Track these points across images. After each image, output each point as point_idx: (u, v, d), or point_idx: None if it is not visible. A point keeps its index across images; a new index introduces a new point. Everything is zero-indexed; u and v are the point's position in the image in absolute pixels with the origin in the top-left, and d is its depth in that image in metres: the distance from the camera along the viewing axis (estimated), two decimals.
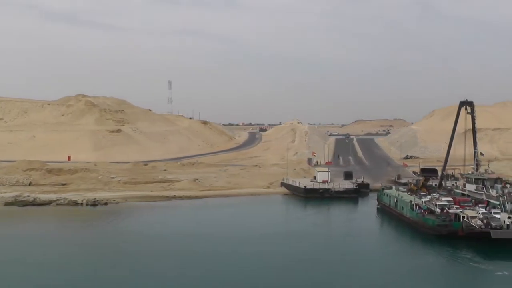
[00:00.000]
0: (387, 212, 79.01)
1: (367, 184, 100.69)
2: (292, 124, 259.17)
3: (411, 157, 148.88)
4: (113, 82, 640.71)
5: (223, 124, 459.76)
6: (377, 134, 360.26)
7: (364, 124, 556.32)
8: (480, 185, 77.55)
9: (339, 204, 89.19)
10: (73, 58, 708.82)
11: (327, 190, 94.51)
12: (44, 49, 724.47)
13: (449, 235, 59.63)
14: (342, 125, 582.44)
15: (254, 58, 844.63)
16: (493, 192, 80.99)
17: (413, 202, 69.24)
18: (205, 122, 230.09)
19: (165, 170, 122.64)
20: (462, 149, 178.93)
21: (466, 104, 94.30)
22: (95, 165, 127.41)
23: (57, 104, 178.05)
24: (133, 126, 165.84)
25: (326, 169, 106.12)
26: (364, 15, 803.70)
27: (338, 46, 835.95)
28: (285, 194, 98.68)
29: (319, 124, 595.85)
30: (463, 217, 61.05)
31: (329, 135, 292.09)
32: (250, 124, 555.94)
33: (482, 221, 59.90)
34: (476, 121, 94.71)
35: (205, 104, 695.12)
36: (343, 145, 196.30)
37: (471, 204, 70.48)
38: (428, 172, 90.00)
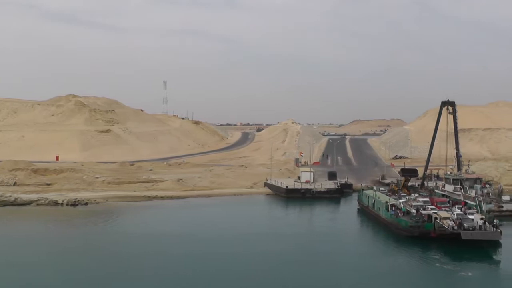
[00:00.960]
0: (366, 213, 78.74)
1: (350, 184, 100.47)
2: (286, 124, 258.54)
3: (400, 157, 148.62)
4: (112, 83, 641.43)
5: (221, 125, 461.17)
6: (374, 134, 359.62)
7: (361, 124, 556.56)
8: (458, 186, 77.42)
9: (321, 205, 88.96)
10: (73, 58, 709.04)
11: (308, 190, 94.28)
12: (43, 50, 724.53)
13: (422, 236, 59.27)
14: (340, 125, 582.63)
15: (254, 58, 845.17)
16: (472, 193, 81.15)
17: (388, 203, 68.94)
18: (197, 122, 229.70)
19: (150, 170, 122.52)
20: (450, 149, 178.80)
21: (448, 104, 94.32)
22: (82, 165, 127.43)
23: (47, 104, 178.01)
24: (123, 126, 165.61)
25: (309, 169, 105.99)
26: (364, 15, 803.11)
27: (338, 46, 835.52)
28: (267, 194, 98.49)
29: (318, 124, 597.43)
30: (436, 218, 60.76)
31: (326, 135, 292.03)
32: (248, 124, 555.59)
33: (455, 222, 59.64)
34: (459, 121, 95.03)
35: (204, 104, 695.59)
36: (334, 145, 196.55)
37: (448, 205, 70.20)
38: (408, 173, 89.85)
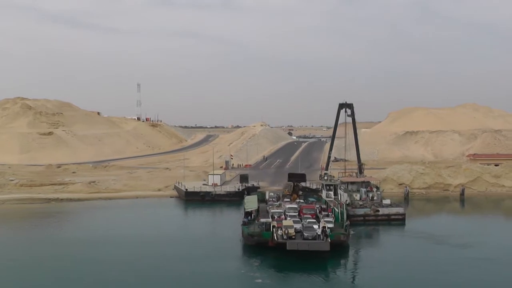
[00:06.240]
0: None
1: (258, 187, 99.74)
2: (254, 127, 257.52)
3: (338, 160, 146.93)
4: (104, 84, 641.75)
5: (211, 127, 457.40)
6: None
7: (349, 126, 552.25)
8: (331, 191, 76.02)
9: (219, 208, 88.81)
10: (72, 60, 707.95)
11: (207, 193, 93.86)
12: (42, 52, 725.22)
13: (260, 245, 57.58)
14: (328, 128, 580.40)
15: (253, 60, 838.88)
16: (357, 197, 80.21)
17: (246, 210, 67.84)
18: (154, 125, 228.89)
19: (74, 172, 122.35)
20: (398, 151, 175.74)
21: (346, 106, 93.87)
22: (9, 167, 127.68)
23: None
24: (68, 129, 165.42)
25: (220, 172, 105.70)
26: (363, 16, 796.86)
27: (337, 47, 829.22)
28: (171, 197, 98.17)
29: (312, 126, 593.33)
30: (273, 226, 59.23)
31: (311, 137, 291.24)
32: (238, 126, 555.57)
33: (297, 231, 58.07)
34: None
35: (203, 105, 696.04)
36: (289, 148, 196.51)
37: (314, 212, 68.82)
38: (295, 177, 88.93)
